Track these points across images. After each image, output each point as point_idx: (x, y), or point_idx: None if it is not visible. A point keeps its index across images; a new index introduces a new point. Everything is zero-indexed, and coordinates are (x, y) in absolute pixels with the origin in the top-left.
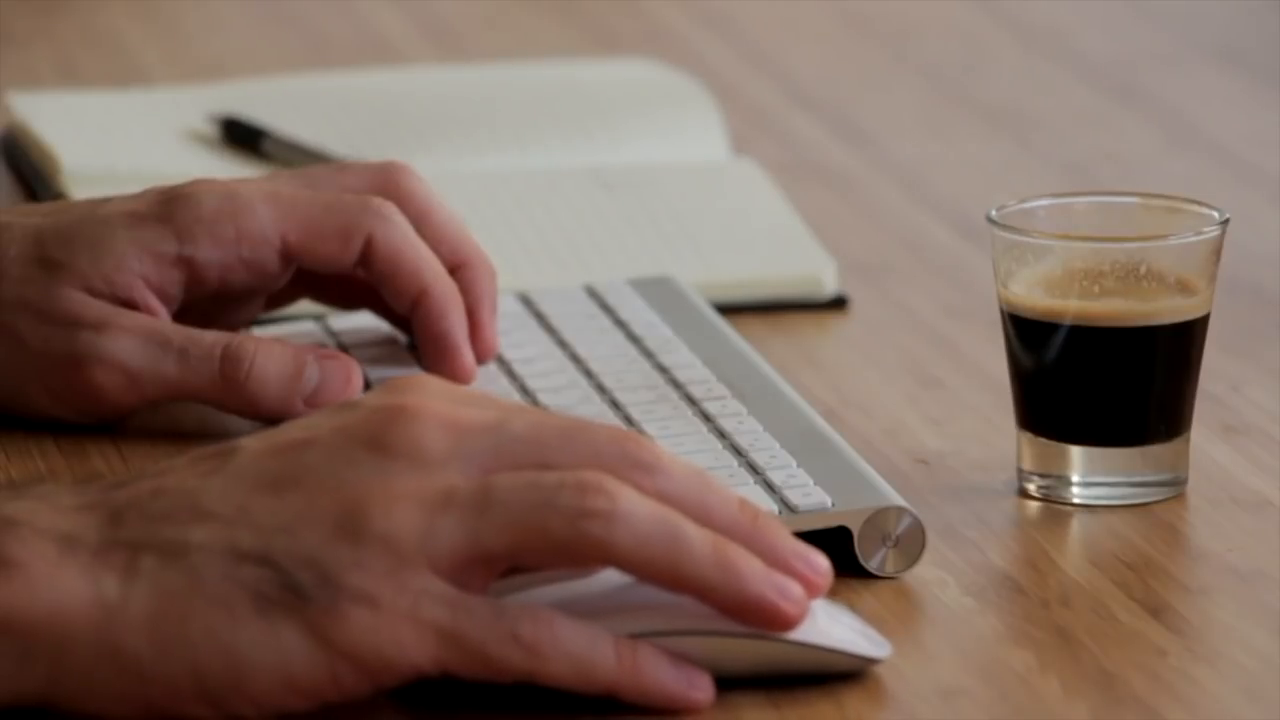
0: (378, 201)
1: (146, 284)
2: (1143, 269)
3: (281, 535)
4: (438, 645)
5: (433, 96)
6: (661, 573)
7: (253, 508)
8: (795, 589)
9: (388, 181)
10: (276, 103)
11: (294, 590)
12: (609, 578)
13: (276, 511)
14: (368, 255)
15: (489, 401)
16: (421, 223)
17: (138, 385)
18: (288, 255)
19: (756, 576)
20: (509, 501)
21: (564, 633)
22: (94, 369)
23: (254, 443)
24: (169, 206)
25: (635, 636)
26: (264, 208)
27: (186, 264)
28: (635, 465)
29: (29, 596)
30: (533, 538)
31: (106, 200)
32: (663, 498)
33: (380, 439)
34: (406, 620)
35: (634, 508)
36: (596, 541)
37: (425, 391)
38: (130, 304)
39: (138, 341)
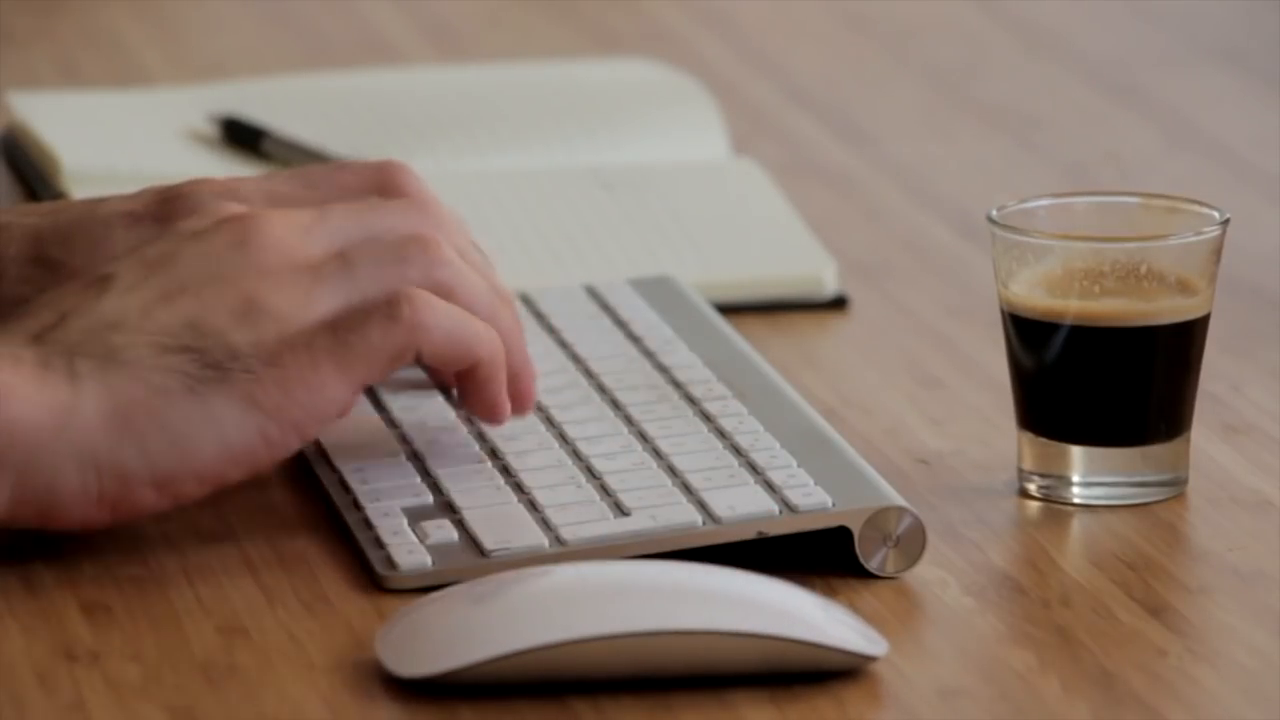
0: (407, 310)
1: None
2: (1143, 269)
3: (189, 329)
4: (337, 369)
5: (433, 96)
6: (488, 307)
7: (155, 312)
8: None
9: (386, 181)
10: (276, 103)
11: (214, 367)
12: (610, 577)
13: (177, 312)
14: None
15: (297, 200)
16: None
17: None
18: None
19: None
20: (367, 260)
21: (436, 306)
22: None
23: (122, 266)
24: (166, 206)
25: (635, 636)
26: (260, 207)
27: None
28: (439, 224)
29: (7, 413)
30: (393, 287)
31: (104, 200)
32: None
33: (242, 239)
34: (309, 365)
35: (459, 258)
36: (445, 284)
37: (246, 199)
38: None
39: None
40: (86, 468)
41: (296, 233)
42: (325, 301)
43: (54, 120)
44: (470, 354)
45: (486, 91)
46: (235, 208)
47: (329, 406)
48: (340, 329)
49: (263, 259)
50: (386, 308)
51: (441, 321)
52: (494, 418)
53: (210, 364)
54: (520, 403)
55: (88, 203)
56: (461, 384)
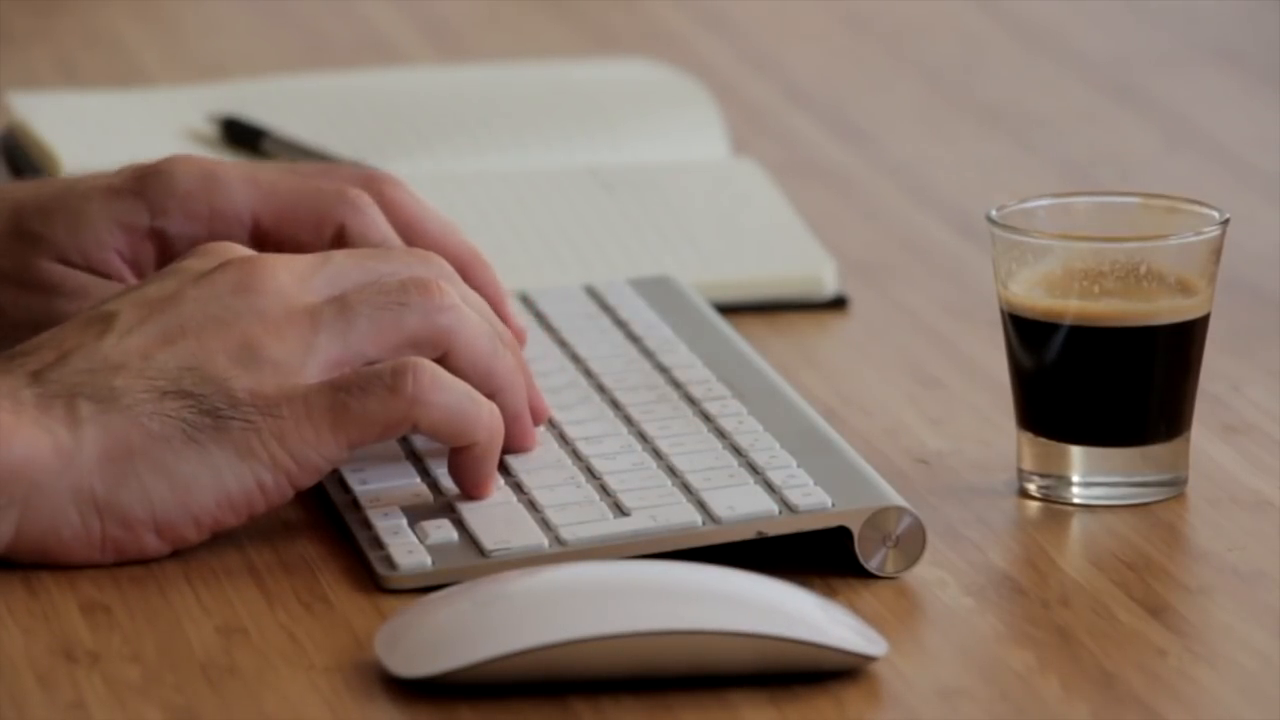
0: (354, 192)
1: (120, 256)
2: (1143, 269)
3: (189, 374)
4: (333, 429)
5: (433, 96)
6: (489, 354)
7: (155, 355)
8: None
9: (374, 192)
10: (276, 103)
11: (213, 415)
12: (610, 577)
13: (177, 356)
14: (338, 243)
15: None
16: (412, 232)
17: None
18: (259, 236)
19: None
20: (367, 306)
21: (441, 383)
22: None
23: (124, 305)
24: (144, 181)
25: (635, 636)
26: (240, 187)
27: (158, 236)
28: (441, 271)
29: (3, 451)
30: (392, 333)
31: (84, 176)
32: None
33: (243, 284)
34: (305, 420)
35: (461, 302)
36: (446, 330)
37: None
38: (105, 274)
39: None
40: (88, 510)
41: (299, 277)
42: (325, 350)
43: (54, 120)
44: (469, 435)
45: (486, 92)
46: (240, 250)
47: (321, 463)
48: (340, 390)
49: (264, 304)
50: (391, 378)
51: (444, 399)
52: (478, 494)
53: (208, 411)
54: (538, 420)
55: (69, 179)
56: (454, 456)
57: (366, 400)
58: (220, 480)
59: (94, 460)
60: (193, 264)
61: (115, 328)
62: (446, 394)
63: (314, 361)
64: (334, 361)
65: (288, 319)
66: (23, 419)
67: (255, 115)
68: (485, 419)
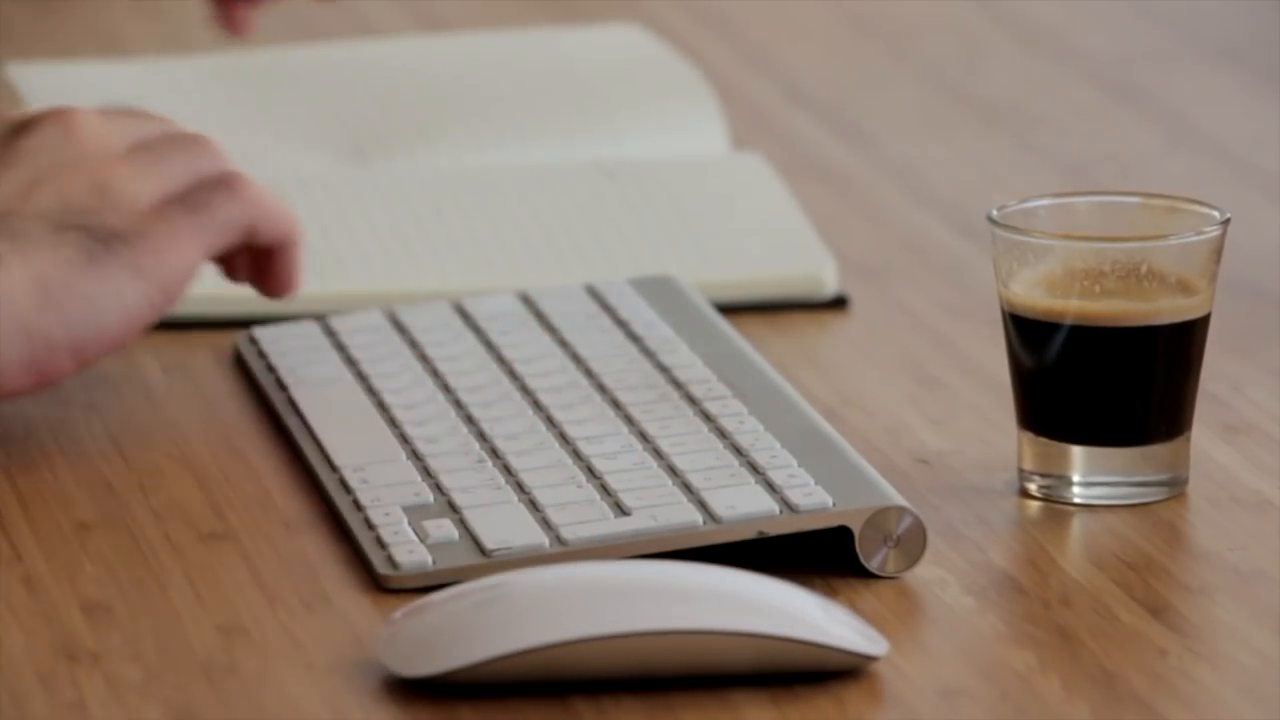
0: (243, 186)
1: None
2: (1143, 269)
3: (67, 211)
4: (193, 236)
5: (429, 82)
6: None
7: (31, 198)
8: None
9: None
10: (276, 78)
11: (104, 242)
12: (610, 577)
13: (47, 199)
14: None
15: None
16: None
17: None
18: None
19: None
20: (169, 148)
21: (259, 185)
22: None
23: None
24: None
25: (635, 636)
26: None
27: None
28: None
29: None
30: (198, 165)
31: None
32: None
33: (69, 132)
34: (170, 235)
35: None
36: (233, 170)
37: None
38: None
39: None
40: (18, 338)
41: (104, 122)
42: (158, 180)
43: (49, 93)
44: (290, 227)
45: (483, 78)
46: (53, 109)
47: (189, 271)
48: (189, 203)
49: (94, 147)
50: (226, 184)
51: (269, 198)
52: (293, 289)
53: (99, 239)
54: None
55: None
56: (269, 262)
57: (215, 208)
58: (122, 300)
59: (24, 292)
60: (21, 122)
61: None
62: (267, 194)
63: (153, 190)
64: (164, 192)
65: (118, 157)
66: None
67: (251, 92)
68: (292, 212)
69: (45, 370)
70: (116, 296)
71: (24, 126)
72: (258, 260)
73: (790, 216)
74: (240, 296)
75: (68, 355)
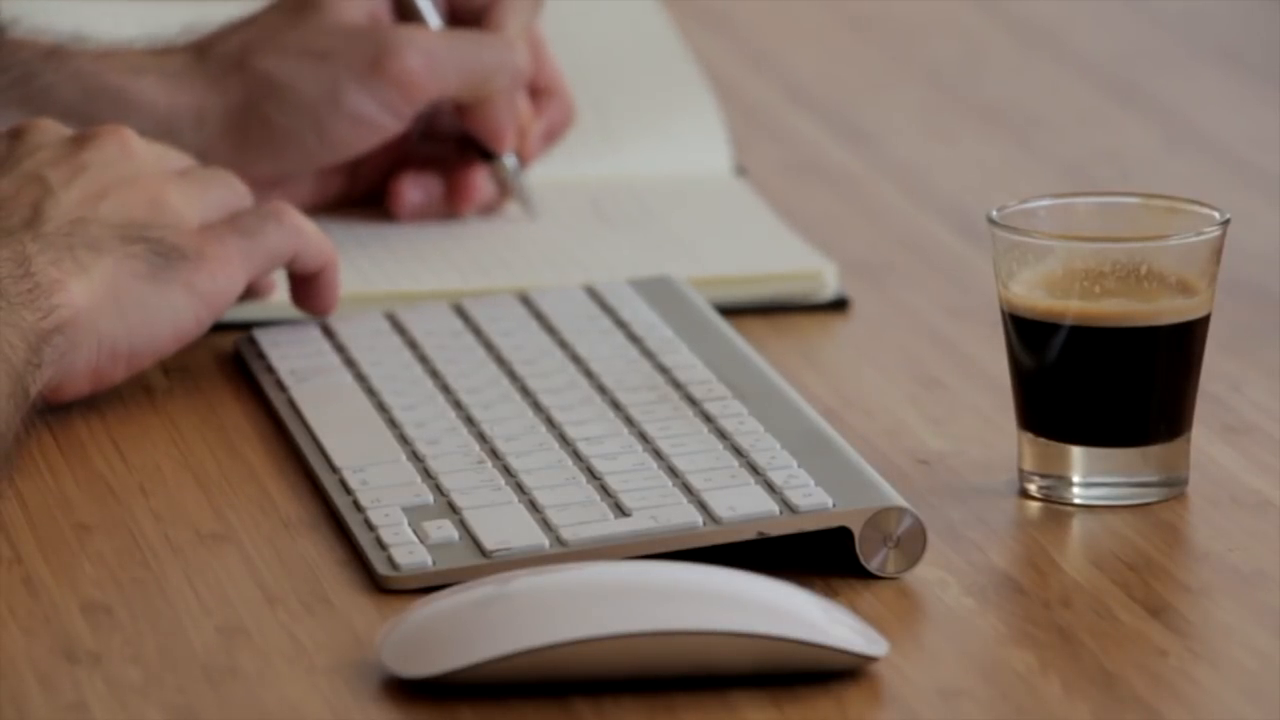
0: (289, 216)
1: None
2: (1143, 269)
3: (131, 224)
4: (242, 261)
5: None
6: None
7: (99, 208)
8: None
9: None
10: None
11: (165, 256)
12: (610, 577)
13: (113, 210)
14: None
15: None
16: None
17: (440, 71)
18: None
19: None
20: (208, 176)
21: (300, 214)
22: (407, 53)
23: (40, 167)
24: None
25: (635, 636)
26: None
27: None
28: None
29: (68, 301)
30: (240, 195)
31: None
32: None
33: (125, 149)
34: (224, 257)
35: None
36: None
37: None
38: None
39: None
40: (91, 344)
41: (150, 145)
42: (203, 205)
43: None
44: (329, 253)
45: None
46: (100, 127)
47: (235, 292)
48: (241, 228)
49: (148, 166)
50: (275, 213)
51: (310, 226)
52: (333, 307)
53: (161, 254)
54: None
55: None
56: (311, 285)
57: (266, 235)
58: (175, 315)
59: (102, 300)
60: (39, 138)
61: (54, 185)
62: (309, 223)
63: (200, 213)
64: (208, 216)
65: (168, 178)
66: (63, 272)
67: None
68: (328, 241)
69: (103, 377)
70: (171, 310)
71: (82, 140)
72: (298, 282)
73: (785, 234)
74: None
75: (124, 364)
